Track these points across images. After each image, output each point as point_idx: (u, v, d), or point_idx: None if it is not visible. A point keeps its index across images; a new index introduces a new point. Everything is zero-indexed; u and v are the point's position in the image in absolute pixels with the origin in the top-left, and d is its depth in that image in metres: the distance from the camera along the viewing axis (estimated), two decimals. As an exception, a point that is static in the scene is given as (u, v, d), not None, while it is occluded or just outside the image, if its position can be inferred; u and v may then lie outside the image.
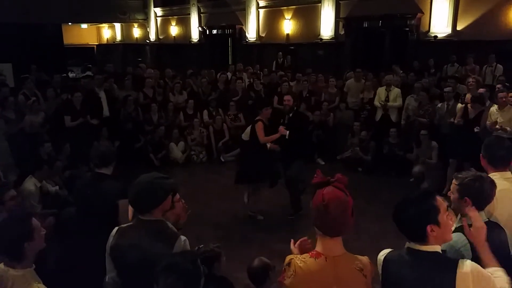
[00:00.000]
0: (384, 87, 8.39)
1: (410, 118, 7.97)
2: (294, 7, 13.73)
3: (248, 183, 5.92)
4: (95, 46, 23.34)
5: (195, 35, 17.39)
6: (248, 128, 6.01)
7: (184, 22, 18.03)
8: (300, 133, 5.62)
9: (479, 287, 1.82)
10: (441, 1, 10.24)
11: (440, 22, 10.37)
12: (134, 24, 20.64)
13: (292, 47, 13.63)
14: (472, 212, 2.15)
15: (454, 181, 2.40)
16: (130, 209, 2.79)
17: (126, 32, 21.82)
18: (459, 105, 6.82)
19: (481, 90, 6.81)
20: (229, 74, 11.25)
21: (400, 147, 7.87)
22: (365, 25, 11.96)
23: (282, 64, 12.79)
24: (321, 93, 9.59)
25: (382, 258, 2.04)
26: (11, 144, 6.56)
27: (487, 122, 6.08)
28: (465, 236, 2.20)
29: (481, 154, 2.81)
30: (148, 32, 19.97)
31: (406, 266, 1.91)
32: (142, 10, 19.85)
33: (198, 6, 17.00)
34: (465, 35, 10.11)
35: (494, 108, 6.12)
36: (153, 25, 19.62)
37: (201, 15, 17.14)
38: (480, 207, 2.30)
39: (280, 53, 13.03)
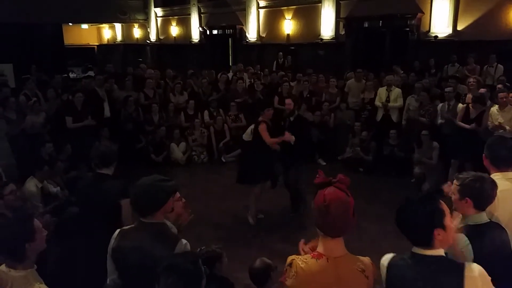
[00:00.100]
0: (384, 87, 8.39)
1: (411, 118, 7.97)
2: (294, 7, 13.73)
3: (249, 183, 5.91)
4: (95, 46, 23.34)
5: (195, 36, 17.39)
6: (249, 129, 6.01)
7: (184, 22, 18.03)
8: (300, 138, 5.58)
9: None
10: (442, 1, 10.24)
11: (441, 22, 10.37)
12: (135, 24, 20.64)
13: (293, 47, 13.63)
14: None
15: (455, 181, 2.40)
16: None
17: (127, 32, 21.83)
18: (460, 105, 6.82)
19: (482, 90, 6.81)
20: (229, 75, 11.25)
21: (400, 148, 7.87)
22: (366, 25, 11.96)
23: (283, 64, 12.79)
24: (322, 93, 9.59)
25: (386, 263, 2.00)
26: (12, 144, 6.57)
27: (488, 123, 6.08)
28: (467, 237, 2.21)
29: (483, 154, 2.80)
30: (149, 33, 19.97)
31: (411, 271, 1.89)
32: (142, 10, 19.85)
33: (198, 6, 17.00)
34: (466, 35, 10.11)
35: (494, 108, 6.12)
36: (154, 26, 19.62)
37: (202, 15, 17.14)
38: (481, 207, 2.31)
39: (281, 53, 13.03)
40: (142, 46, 20.47)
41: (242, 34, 15.42)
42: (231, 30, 15.86)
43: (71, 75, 16.98)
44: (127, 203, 2.83)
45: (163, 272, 1.84)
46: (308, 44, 13.24)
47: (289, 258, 1.95)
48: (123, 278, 2.35)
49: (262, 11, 14.78)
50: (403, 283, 1.91)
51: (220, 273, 3.09)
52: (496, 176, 2.62)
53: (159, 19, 19.49)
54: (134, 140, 8.58)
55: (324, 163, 8.57)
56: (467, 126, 6.35)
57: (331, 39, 12.69)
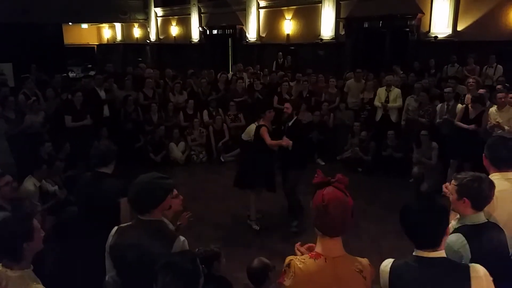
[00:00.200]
0: (384, 88, 8.39)
1: (410, 119, 7.97)
2: (294, 7, 13.73)
3: (247, 188, 5.90)
4: (95, 46, 23.34)
5: (195, 35, 17.40)
6: (248, 130, 6.00)
7: (184, 22, 18.04)
8: (298, 143, 5.49)
9: None
10: (442, 1, 10.24)
11: (441, 23, 10.37)
12: (135, 24, 20.65)
13: (293, 47, 13.63)
14: None
15: (453, 181, 2.41)
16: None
17: (127, 32, 21.84)
18: (459, 106, 6.82)
19: (481, 90, 6.82)
20: (229, 75, 11.25)
21: (398, 149, 7.87)
22: (366, 25, 11.95)
23: (283, 64, 12.79)
24: (321, 93, 9.58)
25: (388, 269, 1.97)
26: (11, 144, 6.56)
27: (488, 123, 6.08)
28: (464, 237, 2.21)
29: (483, 154, 2.80)
30: (149, 32, 19.98)
31: (418, 275, 1.88)
32: (142, 10, 19.85)
33: (198, 6, 17.00)
34: (466, 35, 10.11)
35: (493, 108, 6.13)
36: (154, 25, 19.62)
37: (202, 15, 17.14)
38: (479, 207, 2.31)
39: (280, 53, 13.03)
40: (142, 46, 20.48)
41: (242, 34, 15.42)
42: (231, 30, 15.86)
43: (71, 74, 16.98)
44: (125, 202, 2.84)
45: (161, 270, 1.84)
46: (308, 44, 13.25)
47: (287, 259, 1.95)
48: (121, 275, 2.36)
49: (262, 11, 14.78)
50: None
51: (218, 272, 3.08)
52: (495, 176, 2.62)
53: (159, 19, 19.50)
54: (133, 140, 8.57)
55: (323, 163, 8.57)
56: (466, 126, 6.34)
57: (331, 39, 12.69)
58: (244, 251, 4.99)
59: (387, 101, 8.28)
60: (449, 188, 2.43)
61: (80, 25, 22.18)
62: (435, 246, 1.89)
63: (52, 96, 8.30)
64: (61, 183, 5.89)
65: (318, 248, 1.92)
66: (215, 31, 16.51)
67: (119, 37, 22.30)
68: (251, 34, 15.01)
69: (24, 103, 7.65)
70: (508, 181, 2.63)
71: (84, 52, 21.70)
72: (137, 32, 20.97)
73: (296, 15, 13.78)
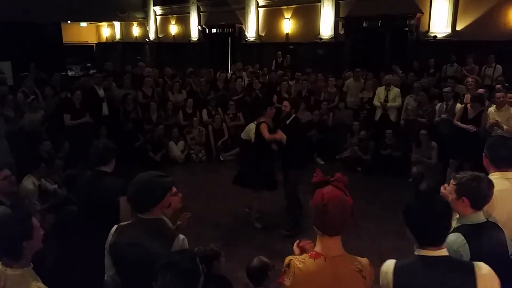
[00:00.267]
0: (383, 87, 8.40)
1: (410, 118, 7.98)
2: (293, 6, 13.73)
3: (246, 186, 5.90)
4: (94, 44, 23.30)
5: (194, 34, 17.38)
6: (248, 129, 5.99)
7: (183, 21, 18.02)
8: (297, 142, 5.48)
9: None
10: (441, 1, 10.25)
11: (440, 22, 10.38)
12: (134, 22, 20.62)
13: (292, 47, 13.63)
14: None
15: (452, 181, 2.41)
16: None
17: (126, 30, 21.80)
18: (459, 105, 6.83)
19: (481, 90, 6.82)
20: (229, 74, 11.24)
21: (397, 148, 7.87)
22: (365, 24, 11.96)
23: (282, 63, 12.79)
24: (321, 92, 9.58)
25: (391, 270, 1.95)
26: (10, 142, 6.55)
27: (487, 123, 6.08)
28: (464, 236, 2.21)
29: (483, 154, 2.81)
30: (148, 31, 19.95)
31: (423, 275, 1.87)
32: (141, 9, 19.82)
33: (197, 5, 16.99)
34: (465, 35, 10.12)
35: (492, 108, 6.13)
36: (153, 24, 19.60)
37: (201, 14, 17.13)
38: (478, 207, 2.31)
39: (280, 52, 13.03)
40: (141, 44, 20.45)
41: (241, 33, 15.42)
42: (230, 29, 15.85)
43: (70, 73, 16.95)
44: (125, 200, 2.83)
45: (161, 270, 1.84)
46: (307, 43, 13.25)
47: (287, 259, 1.96)
48: (121, 274, 2.36)
49: (261, 10, 14.78)
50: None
51: (218, 272, 3.08)
52: (495, 176, 2.63)
53: (158, 18, 19.47)
54: (132, 139, 8.56)
55: (323, 163, 8.57)
56: (464, 126, 6.35)
57: (330, 38, 12.70)
58: (244, 250, 4.99)
59: (386, 100, 8.28)
60: (447, 188, 2.43)
61: (79, 24, 22.15)
62: (439, 244, 1.90)
63: (51, 95, 8.29)
64: (61, 181, 5.88)
65: (317, 248, 1.92)
66: (214, 30, 16.50)
67: (118, 35, 22.27)
68: (250, 33, 15.01)
69: (23, 101, 7.64)
70: (508, 180, 2.64)
71: (83, 51, 21.66)
72: (136, 30, 20.94)
73: (296, 14, 13.78)
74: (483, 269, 1.86)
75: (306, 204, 5.57)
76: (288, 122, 5.65)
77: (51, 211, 4.98)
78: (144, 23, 20.19)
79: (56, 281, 2.51)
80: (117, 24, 21.87)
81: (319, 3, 12.76)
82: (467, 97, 6.76)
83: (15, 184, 3.98)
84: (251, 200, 6.00)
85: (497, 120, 5.89)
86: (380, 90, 8.43)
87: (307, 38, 13.29)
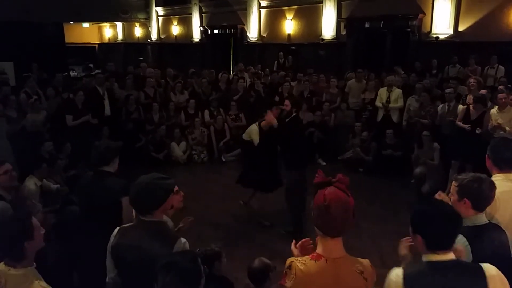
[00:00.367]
0: (385, 88, 8.39)
1: (412, 119, 7.96)
2: (295, 7, 13.73)
3: (250, 187, 5.90)
4: (96, 45, 23.34)
5: (196, 35, 17.39)
6: (249, 130, 5.96)
7: (185, 21, 18.03)
8: (295, 141, 5.43)
9: None
10: (443, 2, 10.24)
11: (442, 23, 10.36)
12: (136, 23, 20.64)
13: (294, 47, 13.63)
14: None
15: (453, 182, 2.41)
16: None
17: (128, 31, 21.83)
18: (461, 106, 6.81)
19: (483, 91, 6.80)
20: (231, 75, 11.26)
21: (397, 148, 7.85)
22: (367, 25, 11.95)
23: (284, 64, 12.78)
24: (322, 93, 9.58)
25: (401, 279, 1.89)
26: (12, 142, 6.57)
27: (489, 124, 6.07)
28: (466, 238, 2.20)
29: (486, 155, 2.80)
30: (150, 32, 19.97)
31: (434, 281, 1.84)
32: (143, 10, 19.85)
33: (199, 6, 17.00)
34: (467, 36, 10.11)
35: (494, 109, 6.11)
36: (155, 25, 19.62)
37: (203, 14, 17.14)
38: (480, 208, 2.30)
39: (281, 53, 13.02)
40: (143, 45, 20.48)
41: (243, 33, 15.42)
42: (232, 30, 15.85)
43: (72, 73, 16.97)
44: (127, 201, 2.83)
45: (161, 270, 1.84)
46: (309, 44, 13.24)
47: (288, 260, 1.95)
48: (122, 276, 2.35)
49: (263, 11, 14.78)
50: None
51: (219, 272, 3.08)
52: (497, 177, 2.62)
53: (160, 18, 19.50)
54: (134, 139, 8.58)
55: (324, 163, 8.57)
56: (464, 126, 6.35)
57: (332, 39, 12.69)
58: (244, 250, 5.00)
59: (388, 101, 8.27)
60: (442, 197, 2.42)
61: (81, 24, 22.18)
62: (449, 247, 1.89)
63: (53, 95, 8.31)
64: (63, 182, 5.89)
65: (319, 249, 1.92)
66: (216, 31, 16.51)
67: (120, 36, 22.30)
68: (252, 34, 15.01)
69: (25, 102, 7.67)
70: (510, 181, 2.63)
71: (85, 51, 21.68)
72: (138, 31, 20.97)
73: (297, 15, 13.77)
74: (491, 270, 1.85)
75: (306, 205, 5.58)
76: (287, 120, 5.63)
77: (52, 211, 4.98)
78: (146, 24, 20.22)
79: (57, 281, 2.51)
80: (119, 24, 21.90)
81: (321, 4, 12.76)
82: (469, 98, 6.74)
83: (16, 178, 3.96)
84: (251, 198, 6.00)
85: (498, 123, 5.87)
86: (382, 91, 8.42)
87: (309, 39, 13.29)
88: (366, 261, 1.95)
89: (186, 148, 8.96)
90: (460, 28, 10.27)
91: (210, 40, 16.81)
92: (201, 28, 17.03)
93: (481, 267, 1.86)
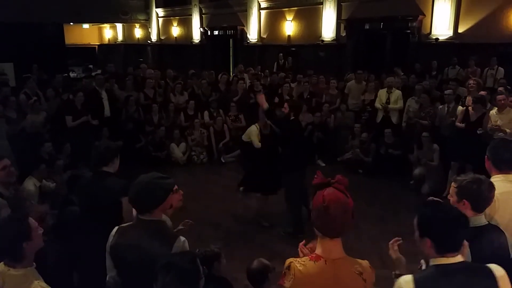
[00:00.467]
0: (385, 89, 8.39)
1: (411, 120, 7.97)
2: (295, 8, 13.75)
3: (252, 190, 5.91)
4: (96, 46, 23.35)
5: (196, 36, 17.41)
6: (249, 131, 5.97)
7: (185, 23, 18.05)
8: (293, 144, 5.36)
9: None
10: (443, 3, 10.25)
11: (442, 25, 10.38)
12: (136, 24, 20.67)
13: (294, 49, 13.64)
14: None
15: (453, 184, 2.41)
16: None
17: (128, 32, 21.85)
18: (460, 108, 6.81)
19: (482, 92, 6.81)
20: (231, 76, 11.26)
21: (396, 146, 7.86)
22: (367, 27, 11.97)
23: (283, 65, 12.79)
24: (322, 94, 9.59)
25: (412, 285, 1.85)
26: (12, 143, 6.57)
27: (488, 125, 6.07)
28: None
29: (486, 156, 2.80)
30: (150, 33, 19.99)
31: (446, 284, 1.82)
32: (143, 11, 19.88)
33: (199, 7, 17.02)
34: (467, 37, 10.12)
35: (493, 111, 6.12)
36: (155, 26, 19.64)
37: (203, 16, 17.16)
38: (479, 209, 2.31)
39: (281, 54, 13.04)
40: (143, 46, 20.50)
41: (243, 35, 15.43)
42: (232, 31, 15.87)
43: (72, 74, 16.98)
44: (127, 201, 2.83)
45: (161, 270, 1.84)
46: (309, 45, 13.26)
47: (287, 261, 1.95)
48: (122, 275, 2.36)
49: (263, 12, 14.80)
50: None
51: (218, 273, 3.08)
52: (497, 178, 2.63)
53: (160, 20, 19.52)
54: (134, 140, 8.58)
55: (324, 164, 8.56)
56: (460, 125, 6.37)
57: (332, 40, 12.70)
58: (244, 251, 4.99)
59: (388, 102, 8.27)
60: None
61: (81, 25, 22.20)
62: (458, 250, 1.87)
63: (52, 96, 8.31)
64: (63, 183, 5.89)
65: (318, 250, 1.92)
66: (216, 32, 16.53)
67: (120, 37, 22.32)
68: (252, 35, 15.03)
69: (25, 103, 7.67)
70: (510, 182, 2.63)
71: (85, 52, 21.70)
72: (138, 32, 20.99)
73: (297, 16, 13.79)
74: (500, 270, 1.85)
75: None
76: (286, 122, 5.48)
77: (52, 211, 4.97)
78: (146, 25, 20.24)
79: (57, 281, 2.51)
80: (119, 25, 21.92)
81: (321, 5, 12.78)
82: (469, 99, 6.75)
83: (14, 174, 3.93)
84: (251, 198, 6.01)
85: (498, 124, 5.88)
86: (382, 92, 8.42)
87: (309, 40, 13.30)
88: (365, 262, 1.95)
89: (185, 149, 8.96)
90: (460, 30, 10.28)
91: (210, 41, 16.83)
92: (201, 29, 17.05)
93: (489, 268, 1.86)
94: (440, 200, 2.22)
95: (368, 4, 11.72)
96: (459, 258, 1.87)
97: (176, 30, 18.62)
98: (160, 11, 19.27)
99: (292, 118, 5.45)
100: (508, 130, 5.79)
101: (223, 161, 9.00)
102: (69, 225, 3.95)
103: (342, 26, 12.44)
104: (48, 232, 3.38)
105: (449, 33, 10.31)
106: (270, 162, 5.68)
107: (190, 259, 1.93)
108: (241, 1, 15.11)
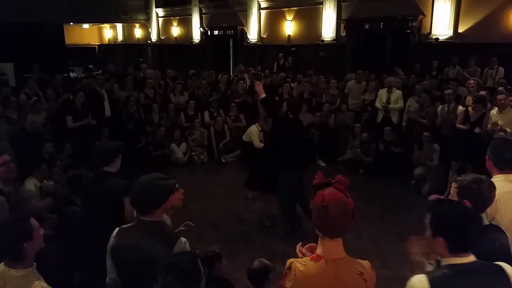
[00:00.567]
0: (385, 89, 8.40)
1: (412, 120, 7.97)
2: (295, 8, 13.74)
3: (257, 189, 5.92)
4: (96, 46, 23.34)
5: (196, 36, 17.41)
6: (249, 131, 5.98)
7: (185, 22, 18.05)
8: (290, 141, 5.29)
9: None
10: (443, 3, 10.25)
11: (442, 24, 10.38)
12: (136, 24, 20.66)
13: (294, 49, 13.63)
14: None
15: (453, 184, 2.41)
16: None
17: (128, 32, 21.84)
18: (460, 108, 6.81)
19: (482, 92, 6.81)
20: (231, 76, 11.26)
21: (395, 144, 7.85)
22: (367, 26, 11.96)
23: (284, 65, 12.79)
24: (322, 94, 9.59)
25: (427, 285, 1.83)
26: (12, 143, 6.57)
27: (488, 125, 6.08)
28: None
29: (487, 156, 2.80)
30: (150, 33, 19.98)
31: (460, 284, 1.82)
32: (143, 11, 19.86)
33: (199, 7, 17.01)
34: (467, 37, 10.11)
35: (494, 111, 6.12)
36: (155, 26, 19.64)
37: (203, 16, 17.15)
38: (479, 209, 2.30)
39: (281, 54, 13.04)
40: (143, 46, 20.49)
41: (243, 35, 15.43)
42: (232, 31, 15.86)
43: (72, 74, 16.99)
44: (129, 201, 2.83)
45: (161, 271, 1.84)
46: (309, 45, 13.25)
47: (288, 262, 1.95)
48: (122, 276, 2.36)
49: (263, 12, 14.80)
50: None
51: (219, 273, 3.08)
52: (498, 178, 2.62)
53: (160, 20, 19.51)
54: (134, 140, 8.58)
55: (324, 164, 8.57)
56: (463, 127, 6.36)
57: (332, 40, 12.70)
58: (244, 251, 4.99)
59: (388, 102, 8.28)
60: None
61: (81, 25, 22.18)
62: (469, 249, 1.87)
63: (53, 96, 8.31)
64: (63, 183, 5.88)
65: (318, 250, 1.92)
66: (216, 32, 16.52)
67: (120, 37, 22.31)
68: (252, 35, 15.02)
69: (25, 103, 7.67)
70: (511, 182, 2.63)
71: (85, 53, 21.68)
72: (138, 32, 20.98)
73: (297, 16, 13.79)
74: (509, 267, 1.85)
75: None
76: (283, 121, 5.46)
77: (53, 212, 4.97)
78: (146, 25, 20.23)
79: (58, 281, 2.51)
80: (119, 26, 21.91)
81: (321, 5, 12.77)
82: (469, 99, 6.75)
83: (14, 170, 3.92)
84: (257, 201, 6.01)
85: (498, 124, 5.87)
86: (382, 92, 8.42)
87: (309, 40, 13.30)
88: (366, 262, 1.95)
89: (186, 150, 8.96)
90: (460, 30, 10.28)
91: (210, 41, 16.83)
92: (201, 29, 17.05)
93: (501, 267, 1.86)
94: (445, 198, 2.22)
95: (368, 4, 11.71)
96: (472, 258, 1.86)
97: (176, 30, 18.62)
98: (160, 11, 19.26)
99: (291, 116, 5.44)
100: (509, 130, 5.79)
101: (224, 161, 9.00)
102: (70, 226, 3.96)
103: (342, 26, 12.44)
104: (49, 233, 3.38)
105: (449, 33, 10.31)
106: (271, 162, 5.69)
107: (191, 260, 1.93)
108: (241, 1, 15.10)
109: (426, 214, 1.97)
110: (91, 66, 18.45)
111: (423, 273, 1.97)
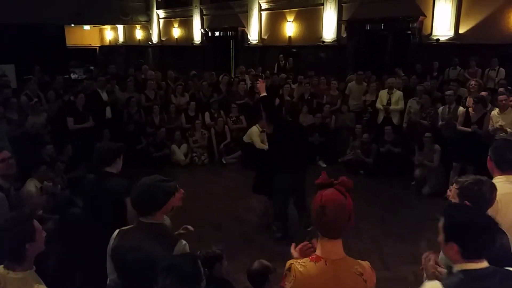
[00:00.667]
0: (386, 90, 8.39)
1: (412, 121, 7.96)
2: (296, 9, 13.75)
3: (264, 194, 5.93)
4: (97, 47, 23.38)
5: (197, 37, 17.43)
6: (250, 132, 5.97)
7: (186, 24, 18.07)
8: (285, 144, 5.24)
9: None
10: (444, 4, 10.24)
11: (443, 25, 10.37)
12: (137, 26, 20.69)
13: (294, 50, 13.64)
14: None
15: (454, 185, 2.41)
16: None
17: (129, 33, 21.88)
18: (461, 109, 6.81)
19: (483, 93, 6.81)
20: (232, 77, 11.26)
21: (395, 144, 7.85)
22: (367, 27, 11.96)
23: (284, 66, 12.79)
24: (323, 95, 9.58)
25: None
26: (13, 144, 6.58)
27: (489, 126, 6.07)
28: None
29: (488, 157, 2.80)
30: (151, 34, 20.02)
31: None
32: (144, 12, 19.90)
33: (200, 8, 17.04)
34: (468, 38, 10.10)
35: (495, 111, 6.11)
36: (156, 27, 19.67)
37: (204, 17, 17.18)
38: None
39: (282, 55, 13.04)
40: (144, 47, 20.52)
41: (244, 36, 15.44)
42: (233, 32, 15.88)
43: (73, 76, 17.01)
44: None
45: (161, 272, 1.84)
46: (309, 46, 13.25)
47: (288, 263, 1.95)
48: (123, 278, 2.36)
49: (264, 13, 14.81)
50: None
51: (220, 274, 3.08)
52: (499, 179, 2.62)
53: (161, 21, 19.54)
54: (135, 141, 8.58)
55: (325, 165, 8.56)
56: (466, 129, 6.35)
57: (332, 41, 12.70)
58: (245, 252, 4.99)
59: (389, 103, 8.28)
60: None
61: (82, 27, 22.21)
62: (484, 255, 1.83)
63: (54, 98, 8.32)
64: (64, 184, 5.89)
65: (318, 251, 1.92)
66: (217, 33, 16.54)
67: (121, 38, 22.35)
68: (253, 36, 15.04)
69: (26, 104, 7.68)
70: (512, 183, 2.63)
71: (86, 54, 21.73)
72: (139, 34, 21.02)
73: (298, 18, 13.79)
74: None
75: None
76: (279, 123, 5.45)
77: (54, 213, 4.98)
78: (147, 26, 20.26)
79: (59, 284, 2.51)
80: (120, 27, 21.95)
81: (322, 6, 12.78)
82: (470, 100, 6.74)
83: (14, 166, 3.91)
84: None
85: (500, 125, 5.87)
86: (383, 93, 8.42)
87: (310, 41, 13.30)
88: (365, 263, 1.95)
89: (187, 151, 8.96)
90: (461, 30, 10.27)
91: (211, 43, 16.85)
92: (202, 30, 17.07)
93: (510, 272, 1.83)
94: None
95: (369, 5, 11.71)
96: (485, 264, 1.81)
97: (177, 32, 18.65)
98: (161, 13, 19.29)
99: (290, 120, 5.42)
100: (510, 130, 5.79)
101: (224, 162, 9.00)
102: (71, 226, 3.96)
103: (343, 27, 12.44)
104: (50, 235, 3.38)
105: (450, 33, 10.30)
106: (271, 163, 5.68)
107: (191, 261, 1.93)
108: (242, 2, 15.12)
109: (440, 219, 1.92)
110: (92, 67, 18.47)
111: (436, 279, 1.94)
